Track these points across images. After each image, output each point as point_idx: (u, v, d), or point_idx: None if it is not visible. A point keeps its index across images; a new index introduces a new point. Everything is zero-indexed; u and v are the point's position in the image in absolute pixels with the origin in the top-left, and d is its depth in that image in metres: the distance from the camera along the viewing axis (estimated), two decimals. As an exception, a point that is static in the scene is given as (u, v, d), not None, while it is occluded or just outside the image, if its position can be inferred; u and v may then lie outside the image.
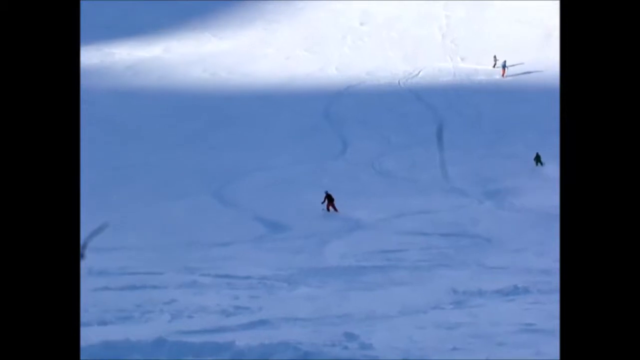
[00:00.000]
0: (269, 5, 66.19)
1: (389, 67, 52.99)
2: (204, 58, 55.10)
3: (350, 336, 10.47)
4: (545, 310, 13.43)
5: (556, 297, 14.63)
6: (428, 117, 43.67)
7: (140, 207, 29.36)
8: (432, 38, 58.83)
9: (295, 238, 26.50)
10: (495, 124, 42.07)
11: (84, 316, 9.14)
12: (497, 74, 50.94)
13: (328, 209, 30.89)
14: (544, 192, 31.47)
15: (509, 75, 50.51)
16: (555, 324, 8.23)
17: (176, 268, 19.10)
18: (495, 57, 52.14)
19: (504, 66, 50.72)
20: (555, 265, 19.18)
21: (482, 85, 49.41)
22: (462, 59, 54.01)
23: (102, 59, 55.85)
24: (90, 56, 53.37)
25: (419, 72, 51.93)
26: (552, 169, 34.05)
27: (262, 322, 12.42)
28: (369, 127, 42.08)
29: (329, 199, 30.92)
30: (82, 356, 8.27)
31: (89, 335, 9.60)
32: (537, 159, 41.32)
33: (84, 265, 8.76)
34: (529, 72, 50.91)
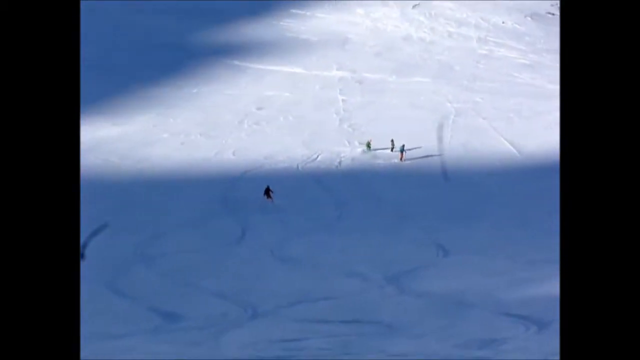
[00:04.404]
0: (163, 90, 66.49)
1: (287, 152, 53.65)
2: (97, 144, 54.52)
3: None
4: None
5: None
6: (327, 201, 44.21)
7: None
8: (329, 122, 60.07)
9: (192, 328, 26.10)
10: (394, 208, 42.85)
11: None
12: (395, 157, 52.16)
13: (268, 198, 43.14)
14: (444, 277, 32.15)
15: (407, 159, 51.79)
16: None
17: (66, 364, 18.45)
18: (392, 141, 53.51)
19: (402, 150, 51.97)
20: (456, 352, 19.52)
21: (380, 169, 50.45)
22: (360, 143, 55.18)
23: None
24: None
25: (318, 156, 52.73)
26: (454, 257, 34.89)
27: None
28: (268, 212, 42.25)
29: (267, 191, 42.93)
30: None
31: None
32: (368, 145, 51.60)
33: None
34: (427, 156, 52.36)
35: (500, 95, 67.08)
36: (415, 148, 53.14)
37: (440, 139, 56.76)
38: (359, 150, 53.72)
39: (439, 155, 52.97)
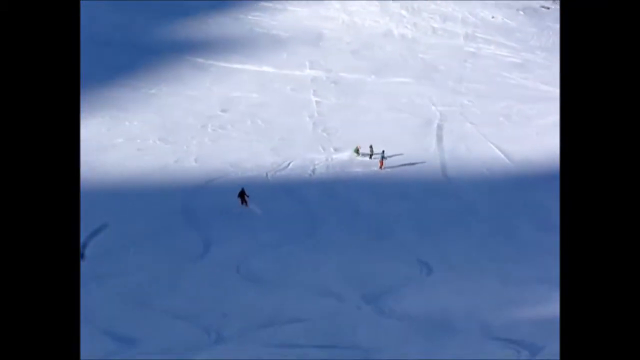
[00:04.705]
0: (118, 91, 66.28)
1: (255, 159, 53.70)
2: (42, 149, 54.27)
3: None
4: None
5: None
6: (299, 213, 44.28)
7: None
8: (302, 127, 60.20)
9: (149, 354, 26.21)
10: (372, 221, 43.05)
11: None
12: (374, 165, 52.38)
13: (242, 204, 44.22)
14: (426, 297, 32.41)
15: (388, 167, 51.99)
16: None
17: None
18: (371, 147, 53.71)
19: (382, 157, 52.09)
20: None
21: (358, 178, 50.63)
22: (336, 150, 55.35)
23: None
24: None
25: (289, 164, 52.84)
26: (437, 275, 35.16)
27: None
28: (234, 225, 42.29)
29: (242, 194, 44.20)
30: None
31: None
32: (356, 151, 53.07)
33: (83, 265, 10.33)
34: (409, 164, 52.62)
35: (489, 98, 67.63)
36: (396, 155, 53.43)
37: (440, 138, 57.19)
38: (335, 157, 53.96)
39: (439, 155, 53.51)
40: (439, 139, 57.50)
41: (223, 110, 63.51)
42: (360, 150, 53.81)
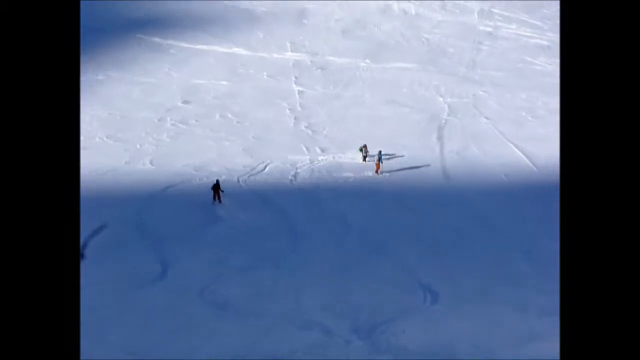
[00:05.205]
0: (58, 75, 66.23)
1: (225, 161, 53.84)
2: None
3: None
4: None
5: None
6: (278, 227, 44.35)
7: None
8: (281, 122, 60.34)
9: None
10: (365, 237, 43.20)
11: None
12: (369, 169, 52.55)
13: (214, 199, 46.47)
14: (429, 329, 32.60)
15: (385, 171, 52.15)
16: None
17: None
18: (365, 146, 53.87)
19: (379, 159, 52.11)
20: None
21: (348, 184, 50.77)
22: (322, 150, 55.51)
23: None
24: None
25: (265, 167, 52.99)
26: (443, 302, 35.38)
27: None
28: (198, 242, 42.33)
29: (216, 188, 46.43)
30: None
31: None
32: (361, 150, 53.75)
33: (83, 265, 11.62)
34: (410, 168, 52.79)
35: (508, 88, 68.00)
36: (394, 156, 53.61)
37: (448, 137, 57.37)
38: (322, 158, 54.08)
39: (447, 157, 53.70)
40: (447, 137, 57.72)
41: (185, 102, 63.68)
42: (365, 150, 53.79)
